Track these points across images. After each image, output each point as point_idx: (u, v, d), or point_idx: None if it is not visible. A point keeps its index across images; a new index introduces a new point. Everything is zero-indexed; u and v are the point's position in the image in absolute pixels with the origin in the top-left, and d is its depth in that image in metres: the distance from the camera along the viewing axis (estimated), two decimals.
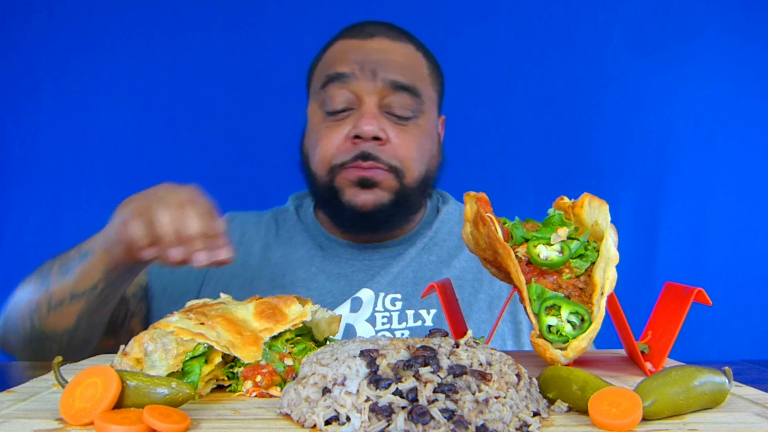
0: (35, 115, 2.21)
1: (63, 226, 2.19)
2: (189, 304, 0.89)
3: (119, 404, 0.61)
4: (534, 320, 0.79)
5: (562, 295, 0.80)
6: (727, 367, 0.68)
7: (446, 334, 0.72)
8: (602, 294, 0.77)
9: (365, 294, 1.34)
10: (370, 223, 1.34)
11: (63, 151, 2.20)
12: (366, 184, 1.29)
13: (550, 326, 0.78)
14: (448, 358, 0.61)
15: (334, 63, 1.35)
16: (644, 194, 2.23)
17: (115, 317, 1.30)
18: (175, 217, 0.95)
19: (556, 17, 2.24)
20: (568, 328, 0.78)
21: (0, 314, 1.28)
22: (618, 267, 0.80)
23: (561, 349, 0.76)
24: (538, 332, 0.78)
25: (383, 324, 1.32)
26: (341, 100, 1.31)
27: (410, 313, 1.33)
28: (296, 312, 0.84)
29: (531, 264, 0.82)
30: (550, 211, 0.87)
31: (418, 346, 0.62)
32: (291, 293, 1.30)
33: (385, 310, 1.33)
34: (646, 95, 2.23)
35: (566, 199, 0.88)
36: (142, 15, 2.21)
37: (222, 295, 0.93)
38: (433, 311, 1.33)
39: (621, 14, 2.24)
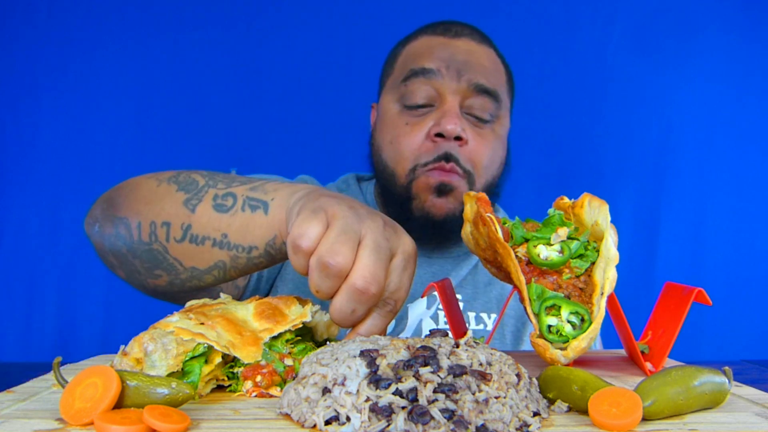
0: (35, 115, 2.21)
1: (63, 226, 2.19)
2: (189, 304, 0.89)
3: (119, 404, 0.61)
4: (534, 320, 0.79)
5: (562, 295, 0.80)
6: (727, 367, 0.68)
7: (446, 334, 0.72)
8: (602, 294, 0.77)
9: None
10: (440, 231, 1.32)
11: (63, 150, 2.20)
12: (443, 190, 1.28)
13: (550, 326, 0.78)
14: (448, 358, 0.61)
15: (419, 58, 1.33)
16: (644, 194, 2.23)
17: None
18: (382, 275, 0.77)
19: (556, 17, 2.25)
20: (568, 328, 0.78)
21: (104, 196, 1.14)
22: (618, 267, 0.80)
23: (561, 349, 0.76)
24: (538, 332, 0.78)
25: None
26: (423, 95, 1.30)
27: (471, 315, 1.35)
28: (296, 312, 0.84)
29: (531, 264, 0.82)
30: (550, 211, 0.87)
31: (418, 346, 0.62)
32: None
33: None
34: (646, 95, 2.24)
35: (566, 199, 0.88)
36: (142, 15, 2.22)
37: (222, 295, 0.93)
38: (493, 315, 1.34)
39: (621, 14, 2.24)
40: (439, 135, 1.27)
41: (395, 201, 1.34)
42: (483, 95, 1.31)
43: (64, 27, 2.20)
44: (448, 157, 1.27)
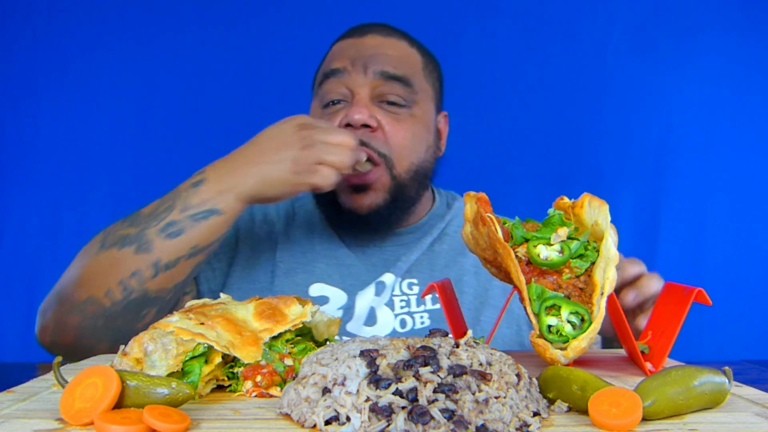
0: (35, 115, 2.21)
1: (63, 226, 2.19)
2: (189, 304, 0.89)
3: (119, 404, 0.61)
4: (534, 320, 0.79)
5: (562, 295, 0.80)
6: (727, 367, 0.68)
7: (446, 334, 0.72)
8: (602, 294, 0.77)
9: (388, 278, 1.38)
10: (368, 225, 1.38)
11: (63, 151, 2.20)
12: (359, 188, 1.33)
13: (550, 326, 0.78)
14: (448, 358, 0.61)
15: (331, 61, 1.41)
16: (644, 194, 2.23)
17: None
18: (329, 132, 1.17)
19: (556, 17, 2.24)
20: (568, 328, 0.78)
21: (47, 301, 1.23)
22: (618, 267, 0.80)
23: (561, 349, 0.76)
24: (538, 332, 0.78)
25: (402, 308, 1.36)
26: (336, 93, 1.36)
27: (428, 297, 1.36)
28: (296, 312, 0.84)
29: (531, 264, 0.82)
30: (550, 211, 0.87)
31: (418, 346, 0.62)
32: (314, 276, 1.35)
33: (403, 294, 1.37)
34: (646, 95, 2.23)
35: (566, 199, 0.88)
36: (142, 15, 2.22)
37: (222, 295, 0.93)
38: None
39: (621, 14, 2.24)
40: (349, 125, 1.32)
41: (325, 199, 1.39)
42: (392, 82, 1.35)
43: (64, 27, 2.20)
44: (360, 144, 1.30)
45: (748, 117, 2.23)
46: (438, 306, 1.35)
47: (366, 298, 1.36)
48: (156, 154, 2.21)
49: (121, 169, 2.21)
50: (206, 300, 0.89)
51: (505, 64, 2.23)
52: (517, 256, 0.82)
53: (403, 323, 1.35)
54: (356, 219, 1.36)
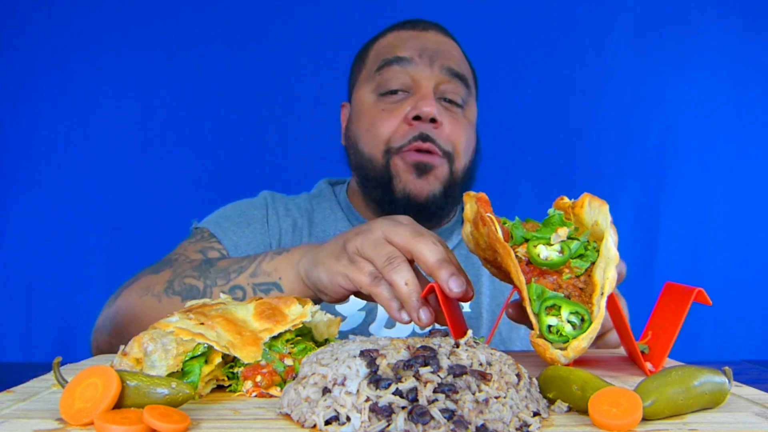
0: (35, 115, 2.21)
1: (63, 226, 2.19)
2: (189, 304, 0.89)
3: (119, 404, 0.61)
4: (534, 320, 0.79)
5: (562, 295, 0.79)
6: (727, 367, 0.68)
7: (446, 334, 0.72)
8: (602, 294, 0.77)
9: None
10: (422, 213, 1.33)
11: (63, 150, 2.21)
12: (423, 169, 1.31)
13: (550, 326, 0.78)
14: (448, 358, 0.60)
15: (392, 49, 1.38)
16: (644, 194, 2.23)
17: None
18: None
19: (557, 17, 2.25)
20: (568, 328, 0.78)
21: (102, 320, 1.21)
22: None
23: (561, 349, 0.76)
24: (538, 332, 0.78)
25: None
26: (399, 81, 1.34)
27: None
28: (296, 312, 0.84)
29: (531, 264, 0.82)
30: (550, 211, 0.87)
31: (418, 346, 0.62)
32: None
33: None
34: (646, 95, 2.24)
35: (566, 199, 0.88)
36: (142, 14, 2.22)
37: (222, 295, 0.93)
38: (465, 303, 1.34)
39: (621, 14, 2.24)
40: (416, 118, 1.30)
41: (377, 185, 1.35)
42: (455, 80, 1.36)
43: (64, 27, 2.20)
44: (425, 138, 1.30)
45: (748, 117, 2.23)
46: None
47: None
48: (156, 154, 2.21)
49: (121, 169, 2.22)
50: (206, 300, 0.89)
51: (505, 64, 2.23)
52: (517, 256, 0.82)
53: None
54: (411, 206, 1.31)
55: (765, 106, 2.23)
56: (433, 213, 1.34)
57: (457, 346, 0.64)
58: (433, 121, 1.30)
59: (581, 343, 0.75)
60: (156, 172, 2.21)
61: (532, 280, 0.80)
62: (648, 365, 0.84)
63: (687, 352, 1.01)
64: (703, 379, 0.65)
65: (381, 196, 1.35)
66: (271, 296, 1.00)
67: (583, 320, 0.78)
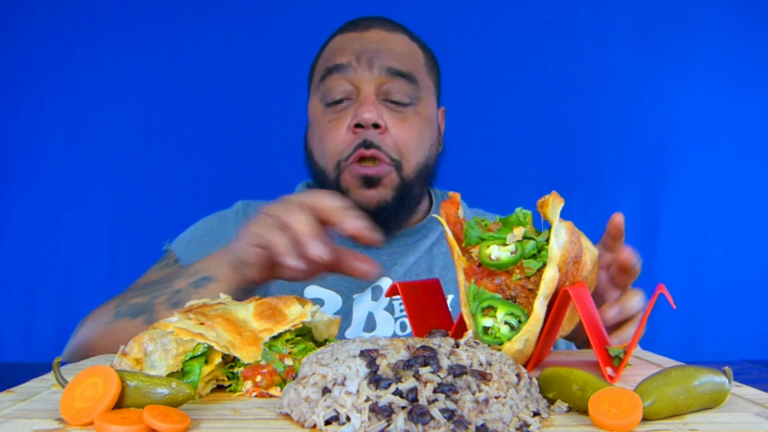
0: (35, 115, 2.21)
1: (63, 226, 2.19)
2: (188, 304, 0.89)
3: (119, 404, 0.61)
4: (470, 321, 0.78)
5: (499, 296, 0.78)
6: (727, 367, 0.68)
7: (446, 334, 0.72)
8: (541, 296, 0.76)
9: (385, 283, 1.36)
10: (376, 221, 1.33)
11: (63, 151, 2.21)
12: (369, 181, 1.31)
13: (486, 327, 0.77)
14: (448, 358, 0.61)
15: (333, 55, 1.37)
16: (644, 194, 2.23)
17: None
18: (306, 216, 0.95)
19: (556, 17, 2.25)
20: (504, 329, 0.77)
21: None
22: None
23: (497, 350, 0.75)
24: (474, 333, 0.77)
25: (401, 311, 1.34)
26: (340, 90, 1.33)
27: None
28: (296, 312, 0.84)
29: (482, 265, 0.81)
30: (518, 210, 0.86)
31: (418, 346, 0.62)
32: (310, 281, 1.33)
33: None
34: (646, 95, 2.24)
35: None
36: (142, 15, 2.22)
37: (222, 295, 0.93)
38: (450, 296, 1.33)
39: (621, 14, 2.24)
40: (358, 125, 1.29)
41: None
42: (398, 78, 1.33)
43: (64, 27, 2.20)
44: (368, 144, 1.29)
45: (748, 117, 2.23)
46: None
47: (363, 304, 1.35)
48: (156, 154, 2.21)
49: (121, 169, 2.21)
50: (206, 300, 0.89)
51: (506, 63, 2.23)
52: (471, 256, 0.81)
53: (403, 326, 1.34)
54: (365, 215, 1.33)
55: (765, 106, 2.23)
56: (387, 218, 1.34)
57: (457, 346, 0.64)
58: (376, 126, 1.29)
59: (514, 345, 0.75)
60: (156, 172, 2.21)
61: (472, 280, 0.80)
62: (608, 370, 0.80)
63: (687, 352, 1.01)
64: (703, 379, 0.65)
65: None
66: (207, 288, 1.08)
67: (520, 322, 0.77)
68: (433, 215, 0.84)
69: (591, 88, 2.23)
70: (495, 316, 0.78)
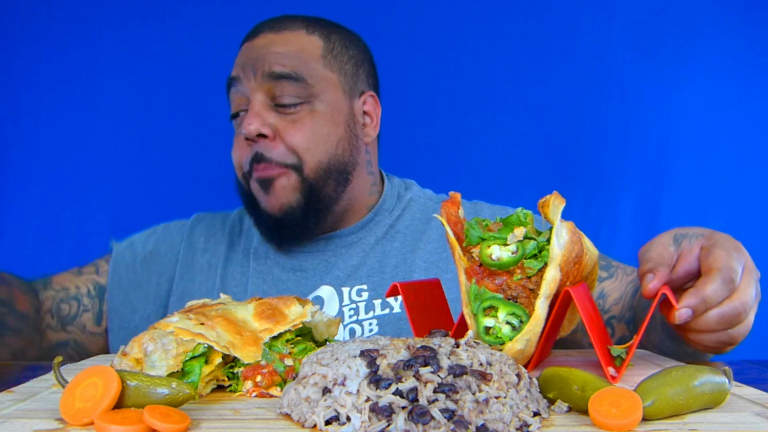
0: (35, 115, 2.21)
1: (63, 226, 2.19)
2: (189, 304, 0.89)
3: (119, 404, 0.61)
4: (471, 321, 0.78)
5: (500, 296, 0.78)
6: (727, 367, 0.68)
7: (446, 334, 0.72)
8: (542, 296, 0.76)
9: (325, 291, 1.31)
10: (286, 229, 1.31)
11: (63, 151, 2.20)
12: (265, 184, 1.28)
13: (488, 327, 0.77)
14: (449, 358, 0.61)
15: (233, 70, 1.35)
16: (644, 194, 2.22)
17: (65, 312, 1.39)
18: None
19: (556, 17, 2.24)
20: (505, 329, 0.77)
21: None
22: None
23: (498, 350, 0.75)
24: (475, 333, 0.77)
25: (350, 317, 1.29)
26: (236, 103, 1.32)
27: (377, 302, 1.29)
28: (296, 312, 0.84)
29: (483, 265, 0.81)
30: (518, 210, 0.86)
31: (419, 346, 0.62)
32: (248, 294, 1.32)
33: (352, 302, 1.30)
34: (646, 95, 2.23)
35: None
36: (142, 15, 2.22)
37: (222, 295, 0.93)
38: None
39: (621, 14, 2.24)
40: (249, 138, 1.27)
41: (250, 208, 1.35)
42: (282, 81, 1.27)
43: (64, 27, 2.20)
44: (258, 158, 1.27)
45: (748, 117, 2.23)
46: (386, 311, 1.28)
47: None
48: (156, 154, 2.21)
49: (120, 170, 2.21)
50: (206, 300, 0.90)
51: (506, 63, 2.23)
52: (473, 257, 0.81)
53: (352, 332, 1.28)
54: (273, 222, 1.29)
55: (766, 106, 2.22)
56: (299, 222, 1.29)
57: (458, 346, 0.64)
58: (264, 136, 1.26)
59: (516, 345, 0.75)
60: (157, 172, 2.21)
61: (473, 280, 0.80)
62: (610, 370, 0.80)
63: None
64: (703, 379, 0.65)
65: (256, 214, 1.33)
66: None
67: (522, 322, 0.77)
68: (437, 215, 0.82)
69: (591, 88, 2.23)
70: (496, 316, 0.78)
